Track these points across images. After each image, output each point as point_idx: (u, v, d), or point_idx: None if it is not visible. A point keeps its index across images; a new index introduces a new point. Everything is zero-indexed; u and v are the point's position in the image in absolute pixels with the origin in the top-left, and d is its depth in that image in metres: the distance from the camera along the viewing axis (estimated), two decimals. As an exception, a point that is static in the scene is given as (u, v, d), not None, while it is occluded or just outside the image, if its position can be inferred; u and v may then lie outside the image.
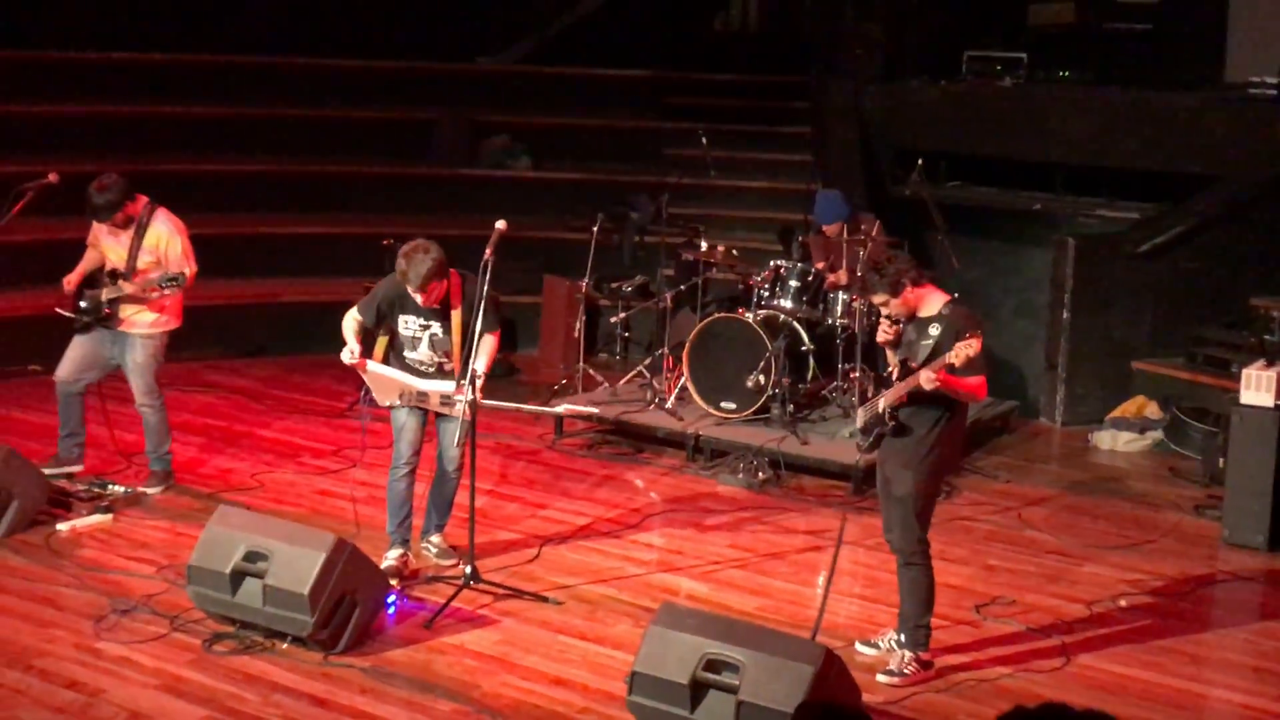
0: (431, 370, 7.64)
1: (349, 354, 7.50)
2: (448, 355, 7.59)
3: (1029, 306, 11.82)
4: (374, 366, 7.61)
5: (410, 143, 14.44)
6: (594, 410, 8.48)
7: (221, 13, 14.45)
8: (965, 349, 6.25)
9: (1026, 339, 11.66)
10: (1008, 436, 10.86)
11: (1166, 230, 11.42)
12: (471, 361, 7.34)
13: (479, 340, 7.40)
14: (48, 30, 13.48)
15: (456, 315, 7.55)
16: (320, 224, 13.18)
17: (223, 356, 12.04)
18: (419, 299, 7.43)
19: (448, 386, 7.52)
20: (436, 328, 7.60)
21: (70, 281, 8.62)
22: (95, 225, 8.64)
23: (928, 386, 6.39)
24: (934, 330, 6.54)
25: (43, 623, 7.00)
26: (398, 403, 7.61)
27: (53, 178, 8.82)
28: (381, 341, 7.73)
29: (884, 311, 6.75)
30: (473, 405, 7.23)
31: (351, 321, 7.62)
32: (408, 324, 7.62)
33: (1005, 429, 10.92)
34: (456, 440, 7.57)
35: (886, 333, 6.70)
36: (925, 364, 6.45)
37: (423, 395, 7.57)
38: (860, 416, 6.93)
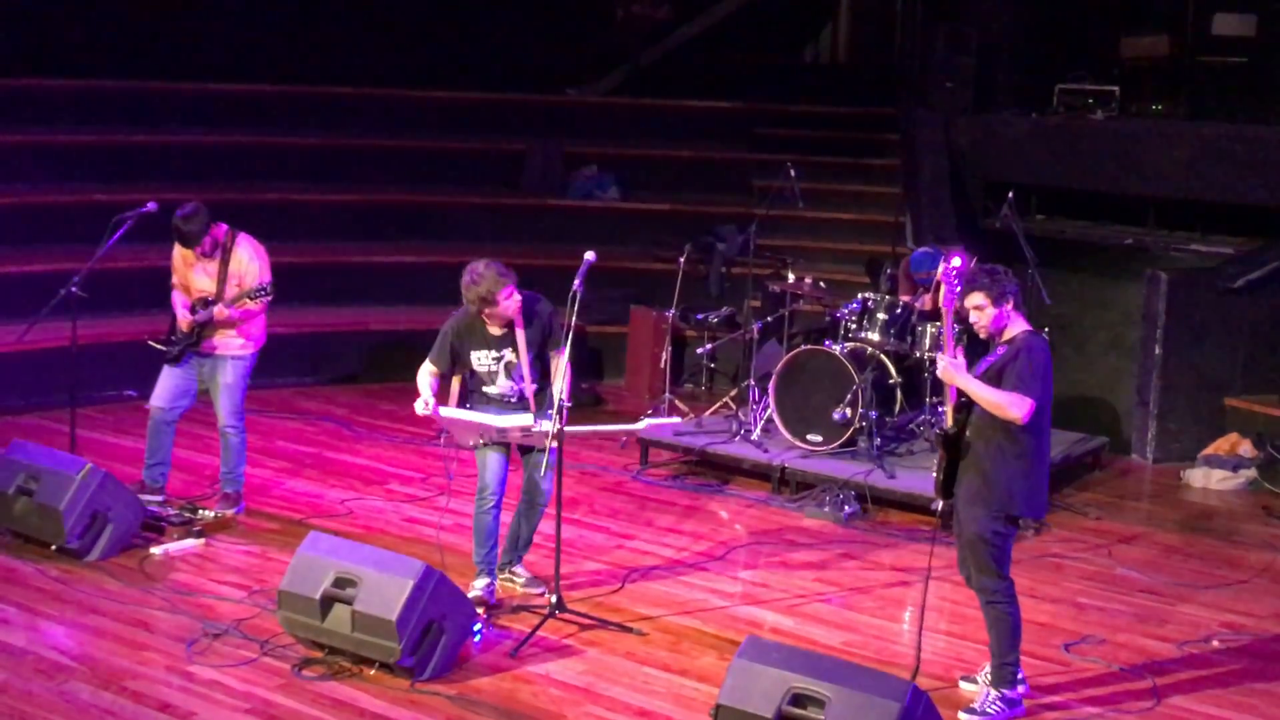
0: (514, 400, 7.68)
1: (422, 404, 7.54)
2: (523, 380, 7.62)
3: (1120, 342, 11.70)
4: (447, 412, 7.62)
5: (501, 173, 14.58)
6: (678, 418, 8.35)
7: (317, 45, 14.67)
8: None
9: (1118, 374, 11.55)
10: (1099, 473, 10.76)
11: (1260, 265, 11.28)
12: (555, 390, 7.42)
13: (554, 365, 7.58)
14: (147, 61, 13.73)
15: (521, 335, 7.60)
16: (412, 253, 13.32)
17: (314, 383, 12.20)
18: (492, 323, 7.49)
19: (526, 419, 7.55)
20: (509, 354, 7.63)
21: (186, 320, 8.75)
22: (179, 262, 8.78)
23: (939, 367, 6.47)
24: (1000, 349, 6.52)
25: (136, 645, 7.11)
26: (480, 443, 7.65)
27: (151, 206, 8.98)
28: (456, 381, 7.78)
29: (972, 317, 6.67)
30: (559, 435, 7.27)
31: (426, 375, 7.66)
32: (481, 360, 7.65)
33: (1096, 465, 10.82)
34: (543, 473, 7.57)
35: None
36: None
37: (502, 431, 7.60)
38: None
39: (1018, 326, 6.60)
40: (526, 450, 7.76)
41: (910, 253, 10.97)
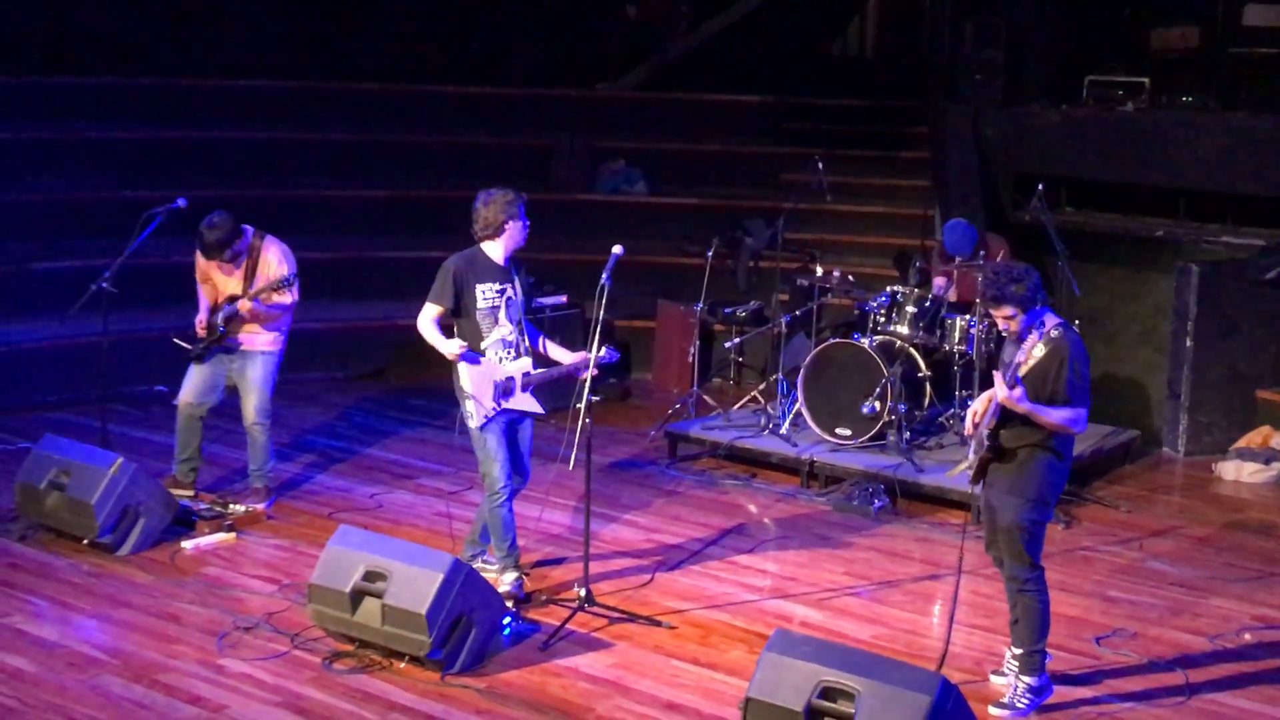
0: (512, 353, 7.61)
1: (456, 345, 7.47)
2: (524, 319, 7.64)
3: (1151, 334, 11.64)
4: (465, 356, 7.56)
5: (529, 168, 14.55)
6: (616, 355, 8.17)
7: (345, 41, 14.71)
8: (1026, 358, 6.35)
9: (1149, 367, 11.49)
10: (1130, 466, 10.70)
11: (1292, 257, 11.21)
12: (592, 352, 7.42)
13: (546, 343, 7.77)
14: (176, 58, 13.79)
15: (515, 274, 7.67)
16: (440, 249, 13.20)
17: (343, 378, 12.23)
18: (501, 245, 7.55)
19: (526, 362, 7.61)
20: (509, 288, 7.62)
21: (202, 322, 8.81)
22: (201, 261, 8.83)
23: (1000, 395, 6.40)
24: (1038, 352, 6.47)
25: (167, 639, 7.14)
26: (492, 409, 7.55)
27: (181, 202, 9.02)
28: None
29: (1001, 325, 6.71)
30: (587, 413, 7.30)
31: (430, 324, 7.56)
32: (486, 294, 7.56)
33: (1127, 458, 10.76)
34: (571, 466, 7.57)
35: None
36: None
37: (510, 384, 7.56)
38: (971, 444, 6.84)
39: (1048, 322, 6.59)
40: (518, 433, 7.73)
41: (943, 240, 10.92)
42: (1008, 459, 6.60)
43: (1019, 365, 6.39)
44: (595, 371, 7.46)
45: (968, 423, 6.80)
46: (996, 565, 6.89)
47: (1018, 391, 6.36)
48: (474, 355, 7.53)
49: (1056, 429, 6.50)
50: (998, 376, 6.49)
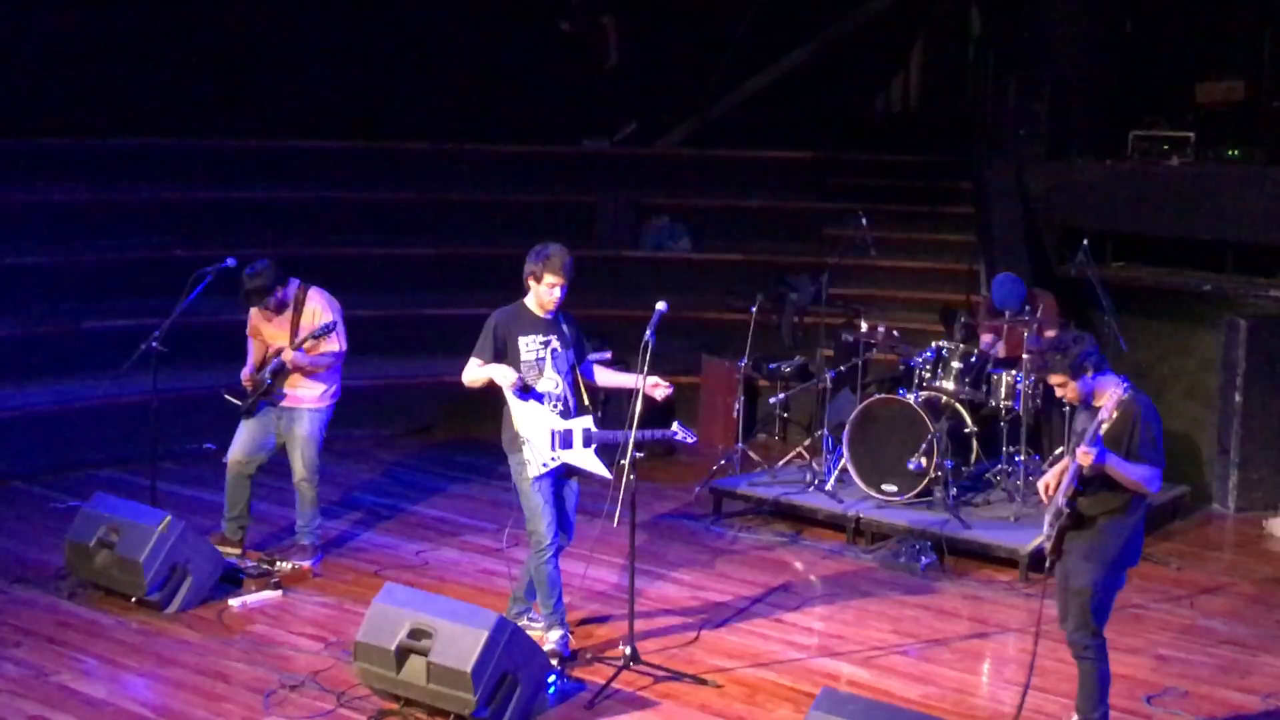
0: (559, 406, 7.62)
1: (510, 373, 7.45)
2: (569, 372, 7.63)
3: (1199, 389, 11.54)
4: (516, 404, 7.55)
5: (573, 224, 14.61)
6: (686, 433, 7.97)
7: (391, 101, 14.86)
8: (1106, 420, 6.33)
9: (1197, 423, 11.39)
10: (1179, 523, 10.61)
11: (1341, 310, 11.11)
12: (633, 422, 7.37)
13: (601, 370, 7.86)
14: (225, 120, 13.95)
15: (563, 325, 7.70)
16: (486, 305, 13.30)
17: (389, 435, 12.28)
18: (546, 300, 7.55)
19: (587, 419, 7.60)
20: (555, 341, 7.63)
21: (248, 376, 8.89)
22: (253, 315, 8.92)
23: (1083, 462, 6.38)
24: (1104, 415, 6.46)
25: (214, 696, 7.16)
26: (550, 459, 7.56)
27: (230, 262, 9.11)
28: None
29: (1059, 393, 6.75)
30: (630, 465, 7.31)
31: (475, 371, 7.57)
32: (529, 346, 7.58)
33: (1177, 515, 10.67)
34: (615, 524, 7.57)
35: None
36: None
37: (569, 436, 7.57)
38: (1046, 517, 6.79)
39: (1111, 385, 6.59)
40: (565, 490, 7.72)
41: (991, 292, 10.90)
42: (1085, 525, 6.58)
43: (1100, 424, 6.38)
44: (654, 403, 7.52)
45: (1040, 493, 6.79)
46: (1067, 641, 6.83)
47: (1098, 449, 6.35)
48: (528, 391, 7.52)
49: (1133, 487, 6.50)
50: (1077, 449, 6.48)
